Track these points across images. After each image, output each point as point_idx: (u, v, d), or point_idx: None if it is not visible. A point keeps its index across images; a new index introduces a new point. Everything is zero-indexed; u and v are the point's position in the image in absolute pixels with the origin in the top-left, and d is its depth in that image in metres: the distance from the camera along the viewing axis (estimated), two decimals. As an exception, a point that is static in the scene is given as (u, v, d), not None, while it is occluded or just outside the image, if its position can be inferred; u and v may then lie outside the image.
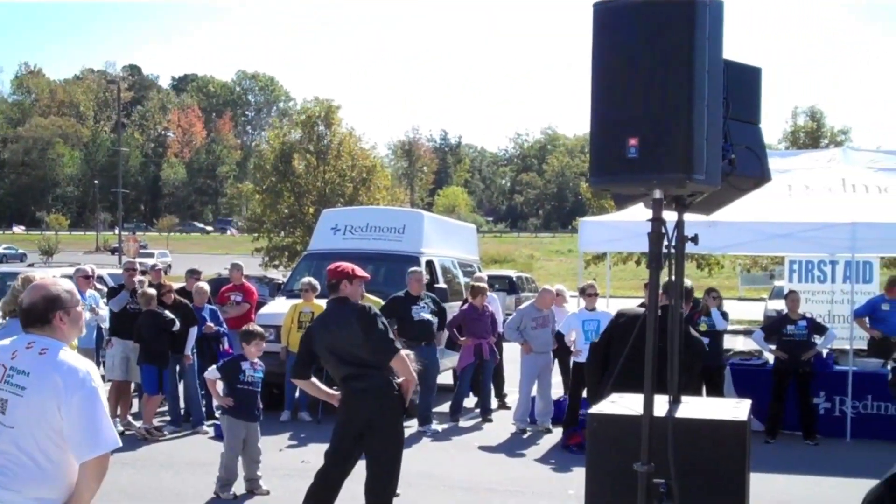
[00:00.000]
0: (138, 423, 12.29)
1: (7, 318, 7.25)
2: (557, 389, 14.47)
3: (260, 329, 9.95)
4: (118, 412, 12.36)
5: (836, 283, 17.76)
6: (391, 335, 7.37)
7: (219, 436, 11.94)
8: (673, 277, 5.19)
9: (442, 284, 15.32)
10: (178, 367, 12.65)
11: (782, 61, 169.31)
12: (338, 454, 7.39)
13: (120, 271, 18.04)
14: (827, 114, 74.38)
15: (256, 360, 9.62)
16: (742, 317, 32.36)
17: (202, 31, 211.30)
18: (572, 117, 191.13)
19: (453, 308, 14.66)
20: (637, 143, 4.23)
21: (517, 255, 79.03)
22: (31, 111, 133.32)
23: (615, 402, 5.34)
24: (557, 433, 12.50)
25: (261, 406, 9.71)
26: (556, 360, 14.39)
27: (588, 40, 4.51)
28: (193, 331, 12.77)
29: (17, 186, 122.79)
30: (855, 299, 14.61)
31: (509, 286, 34.55)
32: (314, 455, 7.62)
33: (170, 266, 56.75)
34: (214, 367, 9.89)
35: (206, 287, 14.01)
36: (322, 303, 11.64)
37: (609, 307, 13.92)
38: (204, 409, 12.90)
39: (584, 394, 12.02)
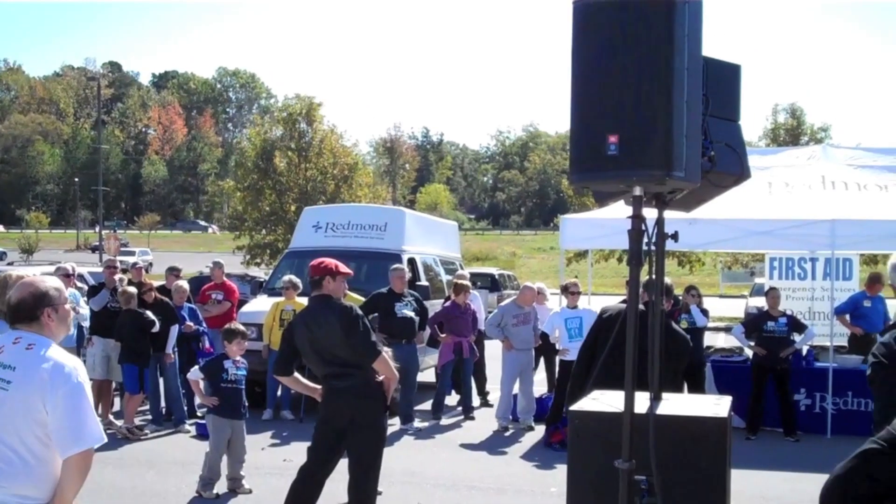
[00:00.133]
0: (119, 423, 12.25)
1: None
2: (541, 387, 14.50)
3: (242, 328, 9.93)
4: (100, 411, 12.32)
5: (817, 280, 17.85)
6: (373, 337, 7.35)
7: (201, 434, 11.94)
8: (653, 275, 5.21)
9: (424, 282, 15.33)
10: (158, 366, 12.62)
11: (763, 59, 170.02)
12: (319, 451, 7.39)
13: (100, 269, 17.97)
14: (807, 111, 74.69)
15: (239, 357, 9.61)
16: (723, 314, 32.46)
17: (183, 28, 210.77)
18: (554, 115, 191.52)
19: (435, 306, 14.68)
20: (617, 140, 4.23)
21: (499, 253, 79.08)
22: (10, 108, 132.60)
23: (596, 399, 5.35)
24: (540, 431, 12.52)
25: (246, 403, 9.70)
26: (542, 358, 14.44)
27: (568, 38, 4.51)
28: (175, 329, 12.74)
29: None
30: (835, 296, 14.70)
31: (491, 284, 34.57)
32: (297, 453, 7.62)
33: (151, 264, 56.51)
34: (196, 367, 9.86)
35: (186, 285, 13.98)
36: (304, 301, 11.64)
37: (591, 304, 13.96)
38: (186, 408, 12.88)
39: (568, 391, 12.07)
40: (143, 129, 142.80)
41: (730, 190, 5.43)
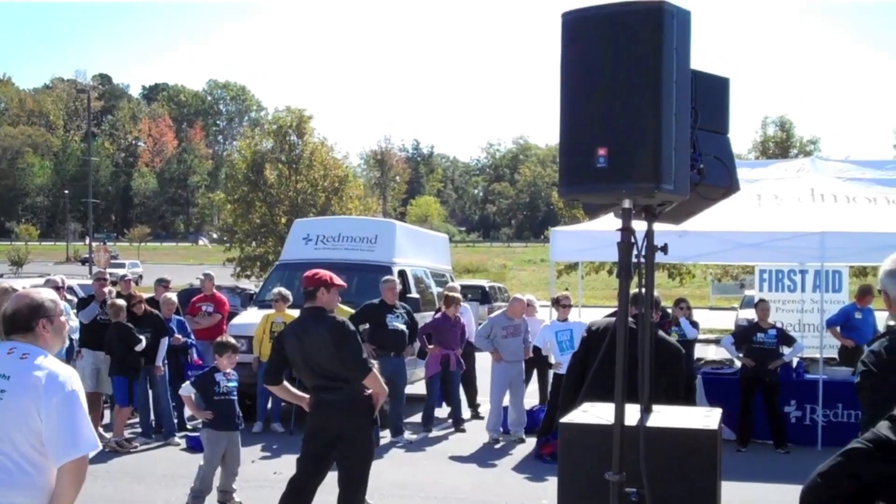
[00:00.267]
0: (109, 436, 12.21)
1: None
2: (532, 399, 14.49)
3: (234, 341, 9.91)
4: (89, 424, 12.26)
5: (806, 293, 17.88)
6: (364, 353, 7.35)
7: (191, 447, 11.92)
8: (643, 287, 5.22)
9: (414, 294, 15.33)
10: (148, 379, 12.59)
11: (753, 72, 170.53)
12: (309, 462, 7.39)
13: (90, 282, 17.93)
14: (796, 124, 74.82)
15: (229, 370, 9.60)
16: (713, 326, 32.51)
17: (173, 41, 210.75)
18: (544, 127, 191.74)
19: (426, 318, 14.67)
20: (606, 152, 4.25)
21: (490, 265, 79.12)
22: (0, 120, 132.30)
23: (587, 412, 5.35)
24: (531, 443, 12.50)
25: (240, 413, 9.68)
26: (535, 371, 14.44)
27: (557, 50, 4.53)
28: (164, 342, 12.72)
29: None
30: (825, 308, 14.72)
31: (482, 296, 34.53)
32: (287, 466, 7.61)
33: (141, 276, 56.40)
34: (188, 383, 9.84)
35: (174, 298, 13.96)
36: (294, 313, 11.62)
37: (581, 317, 13.96)
38: (175, 421, 12.85)
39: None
40: (134, 142, 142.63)
41: (719, 202, 5.45)
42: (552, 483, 5.54)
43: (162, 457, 11.82)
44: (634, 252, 4.58)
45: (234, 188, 45.05)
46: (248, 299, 17.75)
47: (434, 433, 13.53)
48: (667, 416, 5.21)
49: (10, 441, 3.98)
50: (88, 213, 73.39)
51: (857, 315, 14.73)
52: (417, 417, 13.99)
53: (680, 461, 4.87)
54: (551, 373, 13.25)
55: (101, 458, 11.02)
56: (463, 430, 13.73)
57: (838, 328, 14.72)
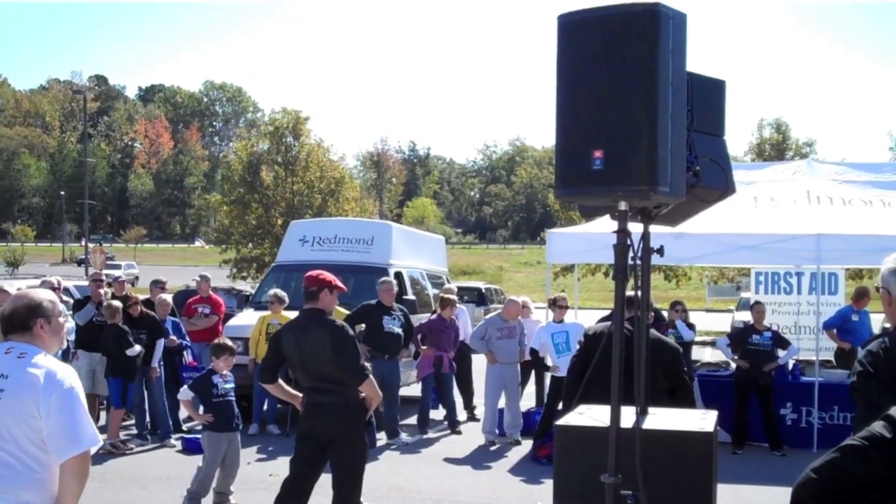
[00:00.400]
0: (104, 438, 12.19)
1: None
2: (529, 401, 14.50)
3: (231, 344, 9.90)
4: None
5: (802, 295, 17.90)
6: (362, 359, 7.34)
7: (187, 449, 11.91)
8: (639, 289, 5.22)
9: (410, 296, 15.32)
10: (144, 380, 12.57)
11: (749, 74, 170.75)
12: (302, 463, 7.39)
13: (86, 283, 17.92)
14: (792, 126, 74.85)
15: (225, 372, 9.59)
16: (710, 328, 32.52)
17: (169, 42, 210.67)
18: (540, 129, 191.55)
19: (422, 320, 14.66)
20: (602, 155, 4.25)
21: (486, 267, 79.14)
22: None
23: (583, 414, 5.35)
24: (527, 445, 12.50)
25: (238, 413, 9.67)
26: (532, 372, 14.44)
27: (554, 52, 4.53)
28: (160, 343, 12.71)
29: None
30: (821, 310, 14.73)
31: (478, 298, 34.53)
32: (283, 468, 7.59)
33: (137, 278, 56.35)
34: (185, 387, 9.82)
35: (169, 299, 13.94)
36: (290, 315, 11.61)
37: (577, 318, 13.97)
38: (171, 423, 12.84)
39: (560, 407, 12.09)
40: (130, 143, 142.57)
41: (715, 204, 5.45)
42: (548, 485, 5.53)
43: (157, 458, 11.80)
44: (630, 254, 4.58)
45: (230, 190, 45.10)
46: (244, 301, 17.75)
47: (430, 435, 13.53)
48: (663, 419, 5.21)
49: (13, 439, 4.00)
50: (84, 215, 73.19)
51: (854, 317, 14.74)
52: (413, 419, 13.98)
53: (676, 463, 4.87)
54: (548, 375, 13.25)
55: (96, 459, 10.95)
56: (459, 433, 13.73)
57: (835, 331, 14.73)
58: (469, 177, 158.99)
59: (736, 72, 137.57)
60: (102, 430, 12.58)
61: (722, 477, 5.42)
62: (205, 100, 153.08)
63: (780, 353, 13.12)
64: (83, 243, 72.61)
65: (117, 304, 12.29)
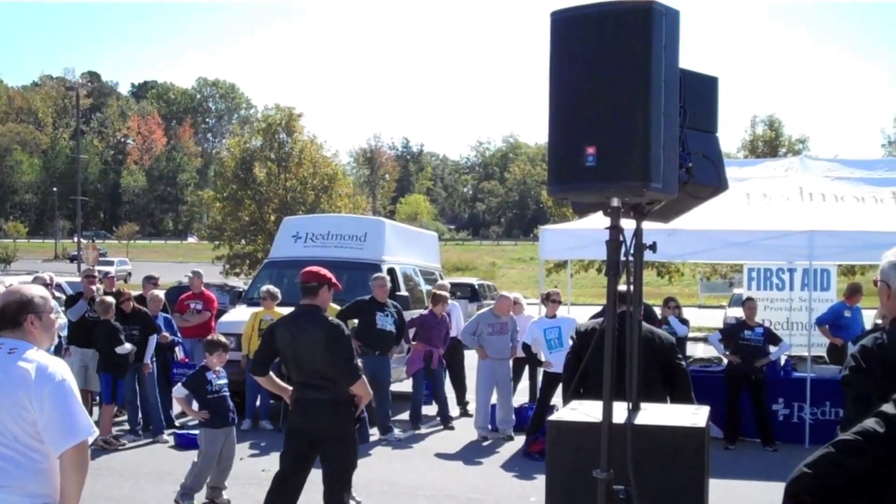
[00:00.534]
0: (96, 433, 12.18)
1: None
2: (523, 397, 14.52)
3: (224, 340, 9.90)
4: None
5: (795, 291, 17.89)
6: (356, 359, 7.34)
7: (180, 445, 11.91)
8: (631, 285, 5.23)
9: (404, 292, 15.33)
10: (136, 376, 12.56)
11: (742, 71, 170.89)
12: (292, 459, 7.41)
13: (79, 279, 17.90)
14: (785, 123, 74.97)
15: (218, 368, 9.60)
16: (702, 324, 32.53)
17: (162, 38, 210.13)
18: (534, 126, 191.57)
19: (415, 316, 14.68)
20: (595, 151, 4.25)
21: (479, 263, 79.09)
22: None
23: (575, 410, 5.36)
24: (519, 441, 12.52)
25: (233, 408, 9.68)
26: (526, 368, 14.46)
27: (547, 49, 4.53)
28: (153, 339, 12.71)
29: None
30: (813, 306, 14.77)
31: (471, 294, 34.55)
32: (275, 463, 7.60)
33: (130, 274, 56.25)
34: (180, 384, 9.82)
35: (161, 295, 13.93)
36: (282, 311, 11.61)
37: (570, 314, 13.98)
38: (163, 419, 12.84)
39: (553, 401, 12.11)
40: (122, 139, 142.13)
41: (708, 201, 5.46)
42: (541, 480, 5.55)
43: (150, 454, 11.80)
44: (623, 250, 4.59)
45: (223, 186, 45.07)
46: (236, 297, 17.75)
47: (422, 431, 13.54)
48: (655, 414, 5.23)
49: (10, 434, 4.02)
50: (77, 211, 73.16)
51: (847, 313, 14.77)
52: (406, 415, 13.99)
53: (668, 459, 4.88)
54: (541, 371, 13.27)
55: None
56: (452, 428, 13.75)
57: (827, 326, 14.76)
58: (462, 173, 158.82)
59: (729, 69, 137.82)
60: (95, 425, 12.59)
61: (714, 472, 5.44)
62: (198, 96, 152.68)
63: (772, 349, 13.17)
64: (76, 240, 72.60)
65: (110, 300, 12.28)
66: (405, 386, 15.11)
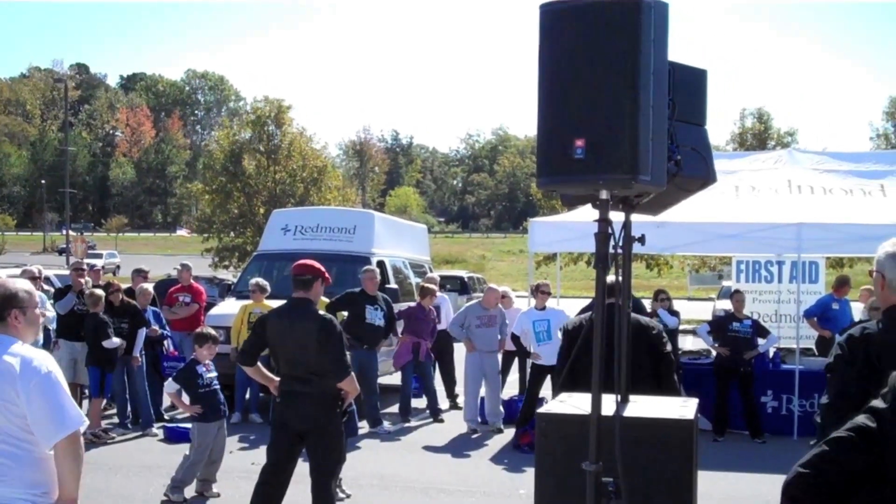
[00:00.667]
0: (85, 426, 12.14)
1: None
2: (513, 389, 14.53)
3: (214, 332, 9.91)
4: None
5: (783, 283, 17.94)
6: (347, 356, 7.33)
7: (169, 438, 11.89)
8: (619, 277, 5.24)
9: (393, 285, 15.33)
10: (126, 370, 12.54)
11: (731, 64, 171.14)
12: (279, 451, 7.42)
13: (67, 272, 17.86)
14: (774, 116, 75.07)
15: (207, 361, 9.59)
16: (691, 317, 32.57)
17: (151, 30, 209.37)
18: (523, 118, 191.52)
19: (403, 308, 14.68)
20: (583, 143, 4.25)
21: (469, 256, 79.13)
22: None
23: (564, 402, 5.36)
24: (508, 433, 12.54)
25: (224, 400, 9.68)
26: (516, 360, 14.47)
27: (536, 41, 4.53)
28: (142, 332, 12.68)
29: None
30: (801, 299, 14.80)
31: (461, 286, 34.57)
32: (265, 457, 7.59)
33: (118, 267, 56.09)
34: (171, 379, 9.80)
35: (150, 288, 13.90)
36: (271, 303, 11.60)
37: (559, 307, 13.99)
38: (153, 412, 12.82)
39: (542, 394, 12.13)
40: (111, 131, 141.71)
41: (696, 194, 5.47)
42: (530, 473, 5.55)
43: (140, 448, 11.78)
44: (612, 243, 4.59)
45: (212, 178, 44.98)
46: (226, 290, 17.69)
47: (412, 423, 13.55)
48: (643, 407, 5.23)
49: (3, 430, 4.03)
50: (65, 203, 72.75)
51: (835, 306, 14.81)
52: (396, 408, 14.00)
53: (656, 451, 4.89)
54: (529, 363, 13.28)
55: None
56: (441, 421, 13.76)
57: (816, 319, 14.80)
58: (452, 166, 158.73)
59: (718, 61, 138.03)
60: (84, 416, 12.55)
61: (702, 464, 5.45)
62: (187, 88, 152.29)
63: (761, 341, 13.22)
64: (64, 232, 72.29)
65: (100, 292, 12.25)
66: (394, 379, 15.11)
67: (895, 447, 2.89)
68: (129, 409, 12.74)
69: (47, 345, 13.22)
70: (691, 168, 4.94)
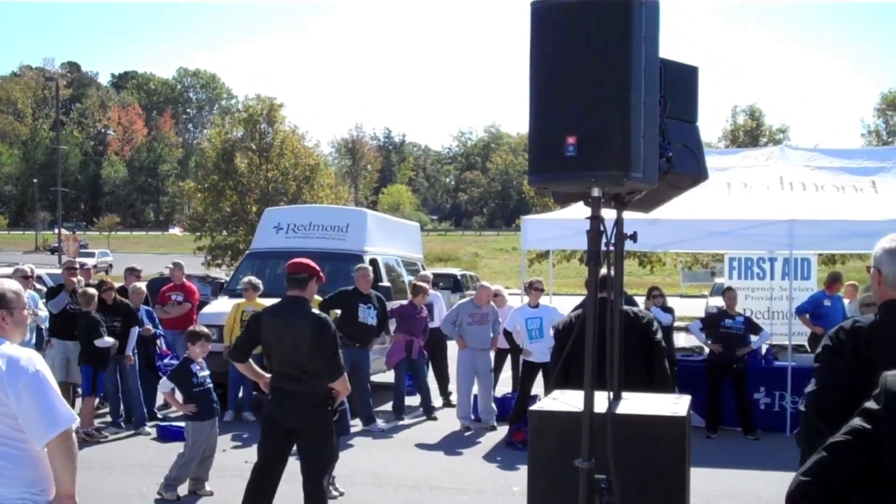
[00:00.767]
0: (77, 426, 12.12)
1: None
2: (506, 386, 14.52)
3: (206, 330, 9.90)
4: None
5: (775, 280, 17.97)
6: (340, 356, 7.32)
7: (162, 436, 11.88)
8: (611, 272, 5.24)
9: (386, 283, 15.31)
10: (118, 368, 12.52)
11: (723, 61, 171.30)
12: (270, 449, 7.41)
13: (59, 271, 17.83)
14: (766, 113, 75.20)
15: (200, 359, 9.58)
16: (684, 314, 32.59)
17: (142, 28, 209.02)
18: (516, 115, 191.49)
19: (395, 306, 14.66)
20: (575, 141, 4.25)
21: (462, 254, 79.19)
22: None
23: (556, 399, 5.37)
24: (502, 431, 12.54)
25: (216, 399, 9.67)
26: (508, 357, 14.46)
27: (527, 39, 4.53)
28: (135, 331, 12.66)
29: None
30: (794, 295, 14.82)
31: (454, 284, 34.55)
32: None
33: (111, 265, 55.98)
34: (165, 378, 9.78)
35: (143, 287, 13.87)
36: (264, 302, 11.58)
37: (552, 304, 13.99)
38: (145, 411, 12.80)
39: (535, 391, 12.14)
40: (103, 130, 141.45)
41: (688, 191, 5.47)
42: (523, 470, 5.56)
43: (132, 446, 11.76)
44: (604, 240, 4.59)
45: (204, 177, 44.94)
46: (218, 288, 17.68)
47: (405, 421, 13.55)
48: (636, 404, 5.24)
49: None
50: (57, 202, 72.53)
51: (827, 302, 14.83)
52: (389, 406, 13.99)
53: (649, 448, 4.90)
54: (521, 360, 13.27)
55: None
56: (434, 419, 13.76)
57: (808, 315, 14.83)
58: (444, 163, 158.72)
59: (710, 58, 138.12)
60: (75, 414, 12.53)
61: (695, 461, 5.46)
62: (178, 86, 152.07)
63: (753, 338, 13.23)
64: (56, 231, 72.14)
65: (93, 291, 12.22)
66: (388, 377, 15.10)
67: (892, 447, 2.89)
68: (121, 407, 12.71)
69: (40, 344, 13.18)
70: (683, 165, 4.95)
